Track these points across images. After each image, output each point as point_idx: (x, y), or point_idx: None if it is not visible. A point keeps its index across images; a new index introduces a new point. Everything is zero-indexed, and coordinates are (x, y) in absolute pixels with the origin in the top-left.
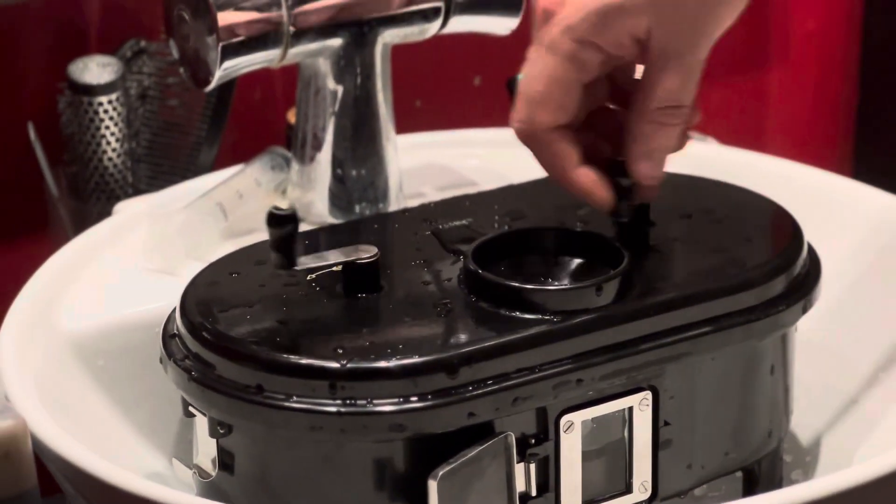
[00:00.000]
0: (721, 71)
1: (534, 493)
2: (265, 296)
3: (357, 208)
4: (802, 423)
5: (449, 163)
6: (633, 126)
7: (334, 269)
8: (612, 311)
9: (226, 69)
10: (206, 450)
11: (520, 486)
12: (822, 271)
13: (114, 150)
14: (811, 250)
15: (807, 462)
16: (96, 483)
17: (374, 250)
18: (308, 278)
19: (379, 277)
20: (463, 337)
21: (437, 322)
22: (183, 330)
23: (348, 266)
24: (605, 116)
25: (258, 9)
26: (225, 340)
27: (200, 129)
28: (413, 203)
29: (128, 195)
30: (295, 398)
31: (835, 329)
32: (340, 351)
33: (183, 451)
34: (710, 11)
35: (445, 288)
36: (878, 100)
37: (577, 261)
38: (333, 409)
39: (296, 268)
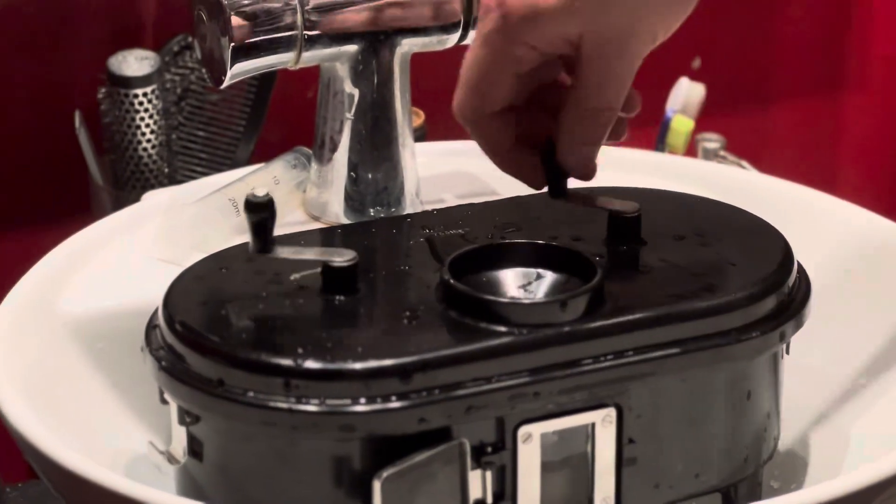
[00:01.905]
0: (795, 93)
1: (489, 500)
2: (245, 293)
3: (371, 211)
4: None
5: (475, 172)
6: (563, 121)
7: (317, 270)
8: (574, 327)
9: (237, 70)
10: (177, 436)
11: (476, 492)
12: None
13: (149, 141)
14: (802, 280)
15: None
16: (52, 465)
17: (351, 255)
18: (291, 278)
19: (355, 281)
20: (422, 344)
21: (402, 328)
22: (161, 321)
23: (326, 268)
24: (552, 92)
25: (272, 12)
26: (193, 334)
27: (239, 124)
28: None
29: (163, 185)
30: (251, 393)
31: (808, 345)
32: (300, 350)
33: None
34: (638, 21)
35: (420, 296)
36: None
37: (557, 276)
38: (286, 406)
39: (269, 255)
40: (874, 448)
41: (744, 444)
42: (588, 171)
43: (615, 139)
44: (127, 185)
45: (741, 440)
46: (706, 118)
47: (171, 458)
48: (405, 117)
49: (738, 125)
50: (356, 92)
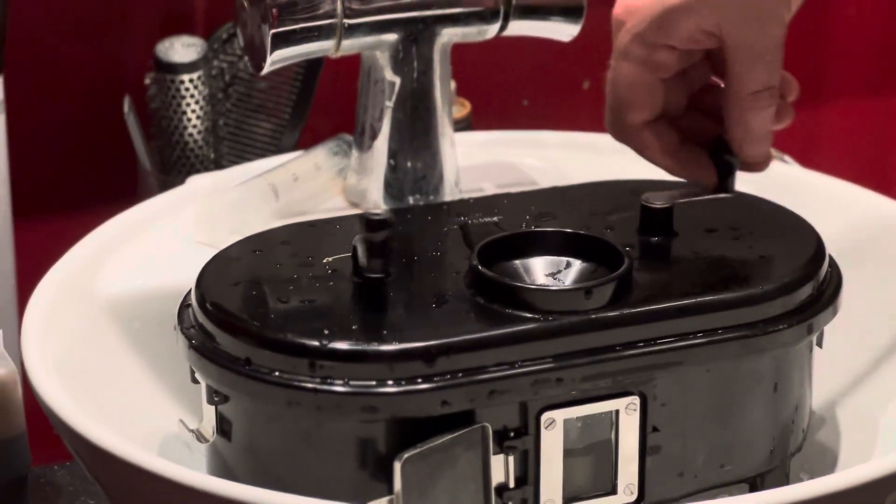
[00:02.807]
0: (848, 92)
1: (511, 484)
2: (277, 275)
3: (410, 199)
4: None
5: (517, 162)
6: (729, 114)
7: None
8: (599, 314)
9: (277, 57)
10: (207, 415)
11: (498, 477)
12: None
13: (194, 126)
14: (833, 274)
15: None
16: (81, 441)
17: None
18: (324, 262)
19: (387, 265)
20: (447, 328)
21: (429, 312)
22: (193, 300)
23: (356, 252)
24: (709, 94)
25: (312, 0)
26: (223, 313)
27: (286, 112)
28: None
29: (209, 171)
30: (277, 373)
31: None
32: (326, 331)
33: None
34: None
35: (450, 281)
36: None
37: (585, 265)
38: (311, 386)
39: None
40: None
41: (770, 436)
42: (764, 161)
43: (784, 122)
44: (173, 170)
45: (768, 432)
46: None
47: (200, 437)
48: (445, 107)
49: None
50: (396, 80)
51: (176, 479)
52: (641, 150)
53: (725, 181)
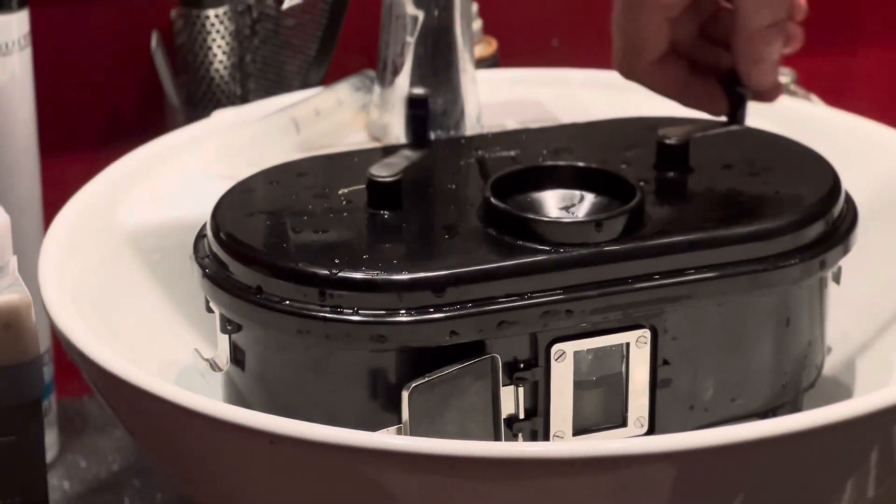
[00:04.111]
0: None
1: (521, 416)
2: (290, 206)
3: (432, 135)
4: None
5: (540, 99)
6: (736, 47)
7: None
8: (609, 247)
9: None
10: (221, 344)
11: (508, 408)
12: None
13: (220, 62)
14: (849, 210)
15: None
16: (95, 368)
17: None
18: (339, 193)
19: (399, 197)
20: (457, 259)
21: (440, 243)
22: (208, 230)
23: (371, 182)
24: (719, 23)
25: None
26: (236, 243)
27: (312, 48)
28: None
29: (235, 105)
30: (288, 302)
31: (857, 275)
32: (337, 261)
33: None
34: None
35: (463, 213)
36: None
37: (599, 198)
38: (321, 314)
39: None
40: None
41: (783, 371)
42: (773, 91)
43: (793, 47)
44: (199, 105)
45: (780, 367)
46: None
47: (214, 366)
48: (466, 43)
49: (820, 64)
50: (419, 15)
51: (184, 405)
52: (656, 88)
53: (737, 112)
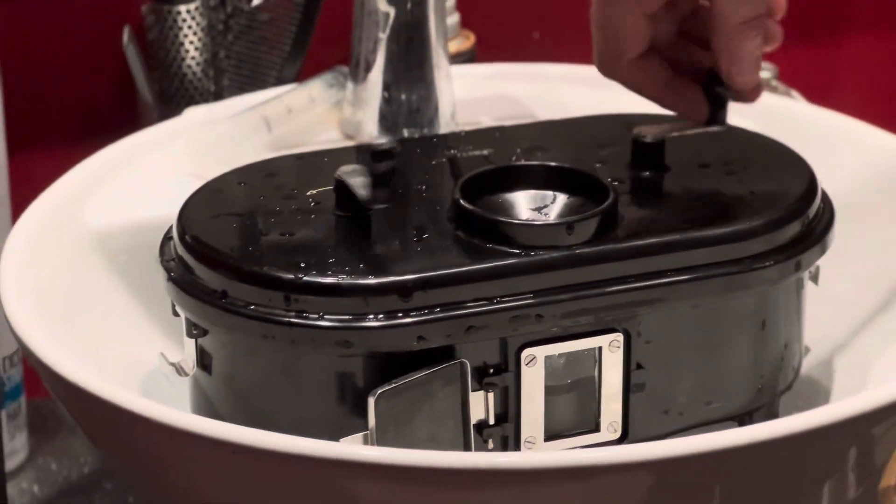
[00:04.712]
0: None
1: (492, 421)
2: (258, 207)
3: (405, 132)
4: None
5: (516, 95)
6: (716, 45)
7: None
8: (580, 250)
9: None
10: (187, 348)
11: (478, 414)
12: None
13: (193, 58)
14: (825, 211)
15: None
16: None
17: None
18: (307, 194)
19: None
20: (425, 262)
21: (408, 246)
22: (174, 233)
23: (339, 184)
24: (698, 21)
25: None
26: (201, 246)
27: (287, 44)
28: None
29: (209, 103)
30: (253, 306)
31: (836, 274)
32: (302, 265)
33: None
34: None
35: (432, 215)
36: None
37: (572, 199)
38: (286, 319)
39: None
40: None
41: (758, 374)
42: (753, 92)
43: (772, 45)
44: (172, 102)
45: (756, 369)
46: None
47: (180, 370)
48: (440, 39)
49: (803, 58)
50: (390, 11)
51: (143, 414)
52: (634, 87)
53: (717, 114)
